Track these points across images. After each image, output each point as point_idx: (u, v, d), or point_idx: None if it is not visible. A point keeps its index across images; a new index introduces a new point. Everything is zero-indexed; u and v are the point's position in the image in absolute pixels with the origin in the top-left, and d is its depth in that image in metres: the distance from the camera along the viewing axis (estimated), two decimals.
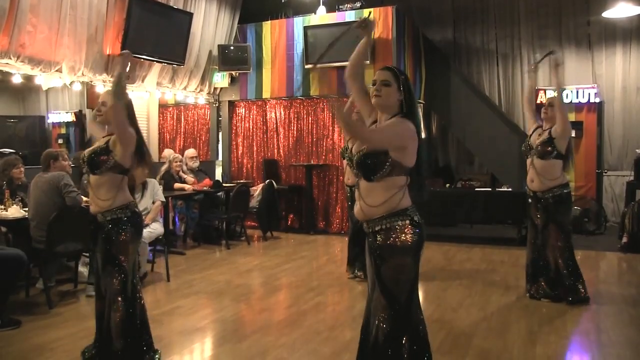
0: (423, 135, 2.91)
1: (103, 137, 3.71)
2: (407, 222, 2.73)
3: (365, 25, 2.94)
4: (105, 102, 3.65)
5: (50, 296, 5.04)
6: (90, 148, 3.67)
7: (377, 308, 2.77)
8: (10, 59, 6.17)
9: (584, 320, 4.79)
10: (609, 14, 8.65)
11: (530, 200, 5.31)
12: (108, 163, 3.55)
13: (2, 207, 5.29)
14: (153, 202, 6.19)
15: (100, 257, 3.59)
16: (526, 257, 5.45)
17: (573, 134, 9.11)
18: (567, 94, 9.45)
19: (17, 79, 6.73)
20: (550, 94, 9.53)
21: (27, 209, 5.29)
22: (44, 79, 6.82)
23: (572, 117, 9.41)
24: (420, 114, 2.92)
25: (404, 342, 2.73)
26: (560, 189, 5.11)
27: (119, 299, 3.54)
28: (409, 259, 2.75)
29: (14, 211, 5.21)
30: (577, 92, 9.41)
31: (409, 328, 2.77)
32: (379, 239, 2.74)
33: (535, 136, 5.24)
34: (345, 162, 6.00)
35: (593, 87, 9.45)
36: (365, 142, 2.72)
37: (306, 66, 9.14)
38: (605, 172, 9.90)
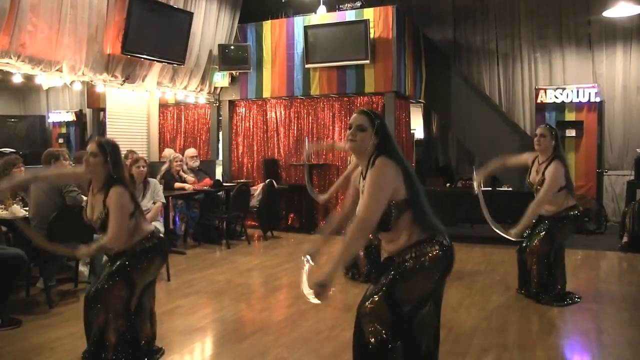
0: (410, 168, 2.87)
1: (95, 191, 3.59)
2: (437, 247, 2.75)
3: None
4: (95, 153, 3.48)
5: (51, 296, 5.05)
6: (92, 215, 3.57)
7: (374, 314, 2.76)
8: (11, 58, 6.18)
9: (584, 320, 4.79)
10: (609, 13, 8.65)
11: (534, 220, 5.21)
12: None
13: (3, 206, 5.29)
14: (154, 203, 6.18)
15: (114, 267, 3.51)
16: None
17: (573, 133, 9.21)
18: (567, 94, 9.44)
19: (17, 79, 6.74)
20: (551, 92, 9.54)
21: (27, 208, 5.29)
22: (44, 79, 6.83)
23: (572, 116, 9.43)
24: (400, 151, 2.88)
25: (397, 348, 2.76)
26: (568, 211, 5.09)
27: (121, 312, 3.51)
28: (432, 280, 2.80)
29: (14, 211, 5.21)
30: (578, 91, 9.41)
31: (406, 338, 2.80)
32: (407, 264, 2.74)
33: (534, 173, 5.16)
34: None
35: (593, 87, 9.45)
36: (372, 221, 2.69)
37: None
38: (606, 172, 9.90)
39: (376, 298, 2.77)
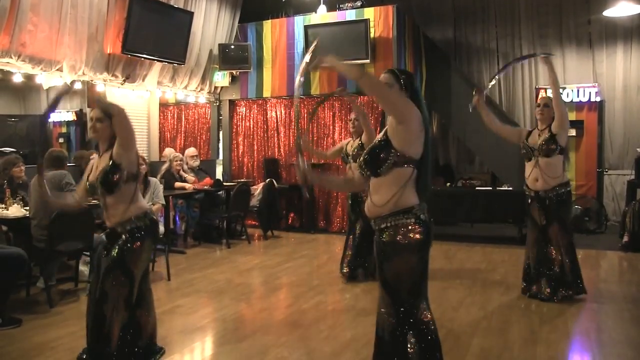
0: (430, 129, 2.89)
1: (99, 155, 3.64)
2: (413, 220, 2.75)
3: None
4: (101, 118, 3.56)
5: (51, 295, 5.04)
6: (95, 172, 3.57)
7: (382, 304, 2.84)
8: (11, 58, 6.18)
9: (585, 320, 4.79)
10: (610, 12, 8.64)
11: (530, 200, 5.31)
12: (122, 178, 3.49)
13: (3, 206, 5.29)
14: (152, 204, 6.14)
15: (110, 261, 3.51)
16: (527, 257, 5.41)
17: (573, 133, 9.20)
18: (567, 93, 9.43)
19: (17, 78, 6.74)
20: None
21: (27, 207, 5.29)
22: (44, 78, 6.83)
23: (572, 116, 9.39)
24: (426, 112, 2.90)
25: (410, 338, 2.77)
26: (563, 187, 5.17)
27: (123, 305, 3.50)
28: (414, 257, 2.77)
29: (15, 210, 5.21)
30: (578, 91, 9.40)
31: (414, 326, 2.79)
32: (384, 236, 2.77)
33: (534, 138, 5.23)
34: (348, 166, 5.93)
35: (594, 86, 9.45)
36: (385, 99, 2.75)
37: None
38: (606, 171, 9.90)
39: (380, 290, 2.82)
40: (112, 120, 3.53)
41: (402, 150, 2.71)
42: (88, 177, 3.63)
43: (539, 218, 5.24)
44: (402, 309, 2.77)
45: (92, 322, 3.54)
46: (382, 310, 2.83)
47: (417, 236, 2.74)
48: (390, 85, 2.83)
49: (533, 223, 5.35)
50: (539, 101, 5.32)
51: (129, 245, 3.49)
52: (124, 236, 3.49)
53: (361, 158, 2.84)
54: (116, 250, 3.49)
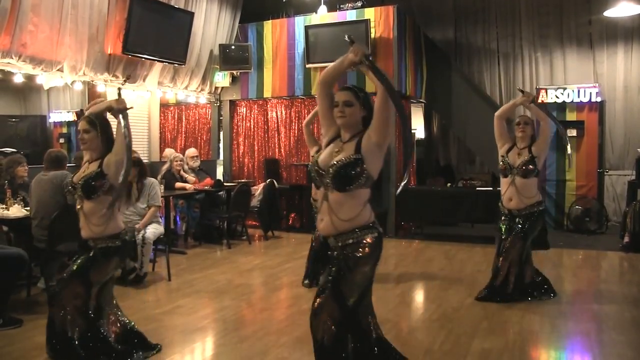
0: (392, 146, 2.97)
1: (88, 161, 3.69)
2: (376, 234, 2.91)
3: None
4: (88, 129, 3.63)
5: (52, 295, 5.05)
6: (81, 174, 3.64)
7: (323, 310, 2.86)
8: (12, 58, 6.18)
9: (585, 320, 4.78)
10: (611, 13, 8.64)
11: (502, 217, 5.28)
12: (104, 187, 3.59)
13: (4, 206, 5.30)
14: (148, 207, 6.12)
15: (74, 269, 3.58)
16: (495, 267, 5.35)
17: (574, 133, 9.20)
18: (568, 94, 9.43)
19: (18, 79, 6.74)
20: (552, 92, 9.52)
21: (28, 208, 5.29)
22: (45, 79, 6.83)
23: (573, 116, 9.42)
24: None
25: (348, 341, 2.89)
26: (536, 206, 5.18)
27: (77, 314, 3.57)
28: (373, 268, 2.93)
29: (16, 210, 5.22)
30: (579, 91, 9.39)
31: (354, 328, 2.92)
32: (349, 251, 2.85)
33: (513, 156, 5.19)
34: None
35: (594, 87, 9.43)
36: (389, 118, 2.80)
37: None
38: (607, 172, 9.89)
39: (324, 295, 2.86)
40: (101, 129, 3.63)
41: (370, 172, 2.82)
42: (73, 177, 3.72)
43: (504, 231, 5.23)
44: (345, 315, 2.86)
45: (49, 324, 3.65)
46: (324, 318, 2.85)
47: (378, 250, 2.92)
48: (350, 103, 2.87)
49: (498, 237, 5.35)
50: (519, 119, 5.25)
51: (96, 262, 3.57)
52: (93, 252, 3.57)
53: (333, 168, 2.82)
54: (81, 262, 3.57)
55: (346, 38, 2.90)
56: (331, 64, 2.95)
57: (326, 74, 2.96)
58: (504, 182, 5.24)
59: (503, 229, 5.24)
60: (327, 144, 3.00)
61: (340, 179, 2.80)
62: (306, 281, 5.85)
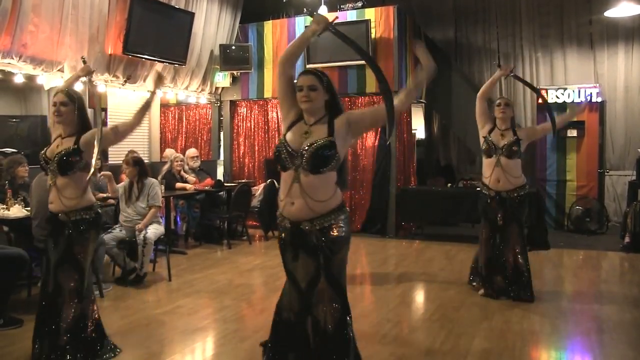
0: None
1: (62, 136, 3.69)
2: (345, 215, 2.95)
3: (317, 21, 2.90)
4: (65, 102, 3.64)
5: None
6: (55, 150, 3.64)
7: (322, 300, 2.89)
8: (13, 58, 6.18)
9: (586, 320, 4.78)
10: (611, 13, 8.63)
11: (489, 200, 5.26)
12: (80, 164, 3.61)
13: (4, 206, 5.30)
14: (149, 207, 6.11)
15: (58, 255, 3.61)
16: (480, 256, 5.41)
17: (574, 134, 9.20)
18: (568, 94, 9.42)
19: (19, 79, 6.73)
20: (552, 92, 9.52)
21: (29, 208, 5.29)
22: (45, 79, 6.83)
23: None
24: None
25: (349, 323, 2.95)
26: (524, 189, 5.21)
27: (75, 297, 3.61)
28: (347, 248, 2.99)
29: (16, 210, 5.22)
30: (579, 91, 9.38)
31: (349, 309, 2.98)
32: (331, 233, 2.86)
33: (497, 137, 5.19)
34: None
35: (595, 87, 9.43)
36: (382, 123, 2.89)
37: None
38: (607, 172, 9.88)
39: (322, 287, 2.88)
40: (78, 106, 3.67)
41: (340, 155, 2.86)
42: (46, 151, 3.70)
43: (498, 218, 5.23)
44: (344, 300, 2.94)
45: (46, 316, 3.62)
46: (327, 305, 2.88)
47: (349, 229, 2.98)
48: (315, 87, 2.88)
49: (489, 223, 5.31)
50: (500, 101, 5.27)
51: (76, 237, 3.60)
52: (68, 229, 3.59)
53: (309, 150, 2.82)
54: (64, 240, 3.59)
55: (305, 11, 2.98)
56: (291, 43, 3.01)
57: (288, 52, 2.99)
58: (488, 163, 5.22)
59: (499, 215, 5.20)
60: (290, 127, 2.97)
61: (316, 160, 2.80)
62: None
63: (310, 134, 2.87)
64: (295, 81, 2.98)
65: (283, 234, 2.97)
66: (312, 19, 2.90)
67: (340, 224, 2.88)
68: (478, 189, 8.80)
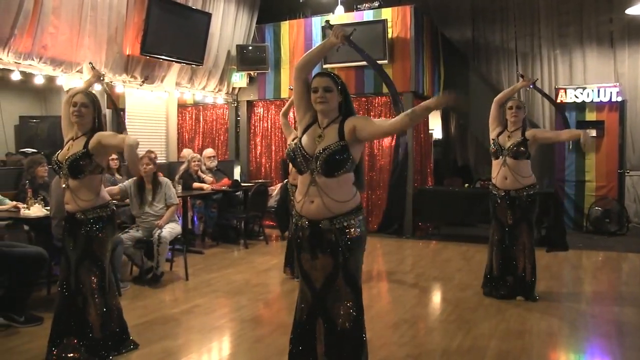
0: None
1: (73, 138, 3.74)
2: (363, 216, 2.99)
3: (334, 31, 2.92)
4: (86, 104, 3.70)
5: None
6: (66, 153, 3.68)
7: (339, 299, 2.90)
8: (33, 60, 6.28)
9: (605, 323, 4.72)
10: (632, 10, 8.51)
11: (499, 200, 5.25)
12: (90, 166, 3.66)
13: (25, 205, 5.37)
14: (167, 207, 6.15)
15: (78, 253, 3.67)
16: (490, 258, 5.35)
17: (594, 134, 9.10)
18: (587, 93, 9.31)
19: (39, 80, 6.83)
20: (571, 92, 9.41)
21: (48, 207, 5.36)
22: (65, 80, 6.91)
23: (593, 116, 9.30)
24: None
25: (363, 323, 2.99)
26: (534, 188, 5.21)
27: (98, 293, 3.70)
28: (364, 249, 3.03)
29: (36, 210, 5.28)
30: (599, 90, 9.27)
31: (363, 310, 3.01)
32: (349, 233, 2.89)
33: (503, 139, 5.22)
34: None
35: (615, 86, 9.31)
36: (393, 134, 3.00)
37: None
38: (628, 172, 9.75)
39: (340, 285, 2.89)
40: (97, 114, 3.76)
41: (354, 157, 2.90)
42: (58, 155, 3.76)
43: (507, 218, 5.20)
44: (360, 298, 2.96)
45: (67, 314, 3.69)
46: (344, 305, 2.89)
47: (366, 229, 3.02)
48: (330, 89, 2.91)
49: (499, 223, 5.29)
50: (512, 103, 5.24)
51: (94, 235, 3.68)
52: (86, 227, 3.66)
53: (322, 155, 2.84)
54: (82, 238, 3.66)
55: (323, 23, 2.99)
56: (309, 51, 3.02)
57: (306, 60, 3.00)
58: (495, 164, 5.31)
59: (508, 214, 5.18)
60: (305, 130, 3.00)
61: (329, 165, 2.84)
62: (287, 268, 6.04)
63: (323, 138, 2.90)
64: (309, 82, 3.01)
65: (300, 233, 2.98)
66: (330, 29, 2.92)
67: (358, 224, 2.91)
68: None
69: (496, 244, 5.30)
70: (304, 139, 2.96)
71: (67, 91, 6.37)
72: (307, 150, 2.90)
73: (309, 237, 2.93)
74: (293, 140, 3.08)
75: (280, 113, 6.03)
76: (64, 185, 3.71)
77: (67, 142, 3.79)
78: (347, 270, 2.90)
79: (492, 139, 5.32)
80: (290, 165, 5.85)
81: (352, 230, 2.89)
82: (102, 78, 4.28)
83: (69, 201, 3.71)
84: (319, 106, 2.92)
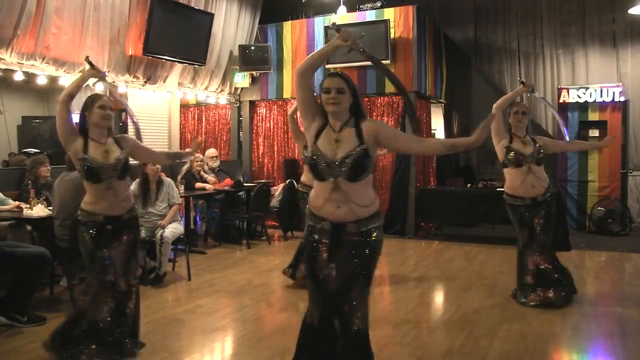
0: None
1: (96, 141, 3.78)
2: (381, 219, 3.03)
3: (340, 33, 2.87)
4: (112, 107, 3.85)
5: (74, 294, 5.08)
6: (107, 155, 3.75)
7: (357, 300, 2.90)
8: (36, 60, 6.29)
9: (608, 324, 4.71)
10: (635, 10, 8.48)
11: (524, 209, 5.10)
12: (131, 168, 3.91)
13: (28, 206, 5.38)
14: (169, 206, 6.18)
15: (126, 253, 3.82)
16: (524, 265, 5.21)
17: (596, 134, 9.09)
18: (590, 93, 9.30)
19: (42, 80, 6.84)
20: (574, 92, 9.40)
21: (51, 207, 5.37)
22: (68, 80, 6.92)
23: (595, 116, 9.29)
24: None
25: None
26: (551, 189, 5.21)
27: (134, 289, 3.92)
28: (381, 251, 3.05)
29: (39, 210, 5.29)
30: (602, 90, 9.25)
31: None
32: (374, 236, 2.93)
33: (519, 145, 5.06)
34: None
35: (618, 86, 9.29)
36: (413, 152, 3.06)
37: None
38: (630, 172, 9.73)
39: (361, 286, 2.91)
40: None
41: (374, 160, 2.96)
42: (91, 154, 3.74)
43: (537, 224, 5.09)
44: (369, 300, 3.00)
45: (116, 312, 3.78)
46: (359, 308, 2.90)
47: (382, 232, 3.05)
48: (343, 90, 2.88)
49: (528, 230, 5.15)
50: (517, 108, 5.14)
51: (136, 233, 3.94)
52: (132, 225, 3.87)
53: (348, 160, 2.83)
54: (129, 238, 3.85)
55: (331, 26, 2.97)
56: (311, 55, 2.98)
57: (309, 63, 2.92)
58: (520, 172, 5.05)
59: (537, 220, 5.08)
60: (317, 135, 2.93)
61: (355, 171, 2.83)
62: (288, 269, 5.87)
63: (341, 142, 2.87)
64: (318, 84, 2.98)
65: (316, 236, 2.93)
66: (337, 32, 2.87)
67: (379, 227, 2.96)
68: (498, 189, 8.75)
69: (526, 253, 5.19)
70: (321, 145, 2.89)
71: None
72: (329, 157, 2.86)
73: (330, 239, 2.90)
74: (305, 147, 3.02)
75: (289, 115, 5.83)
76: (107, 188, 3.73)
77: (88, 144, 3.74)
78: (367, 273, 2.93)
79: (506, 147, 5.09)
80: (307, 168, 5.79)
81: (374, 234, 2.92)
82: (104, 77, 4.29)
83: (113, 204, 3.76)
84: (332, 107, 2.87)
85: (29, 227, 5.57)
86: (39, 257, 4.57)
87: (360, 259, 2.90)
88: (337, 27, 2.89)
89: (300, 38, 9.57)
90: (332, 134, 2.90)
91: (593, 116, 9.30)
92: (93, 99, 3.82)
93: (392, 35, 8.73)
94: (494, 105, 5.15)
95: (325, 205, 2.91)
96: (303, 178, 5.70)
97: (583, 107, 9.33)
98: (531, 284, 5.13)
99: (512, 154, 5.05)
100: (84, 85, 4.23)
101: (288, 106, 9.92)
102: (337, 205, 2.88)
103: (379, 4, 9.19)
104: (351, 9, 9.46)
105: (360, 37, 2.94)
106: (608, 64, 10.03)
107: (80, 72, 6.86)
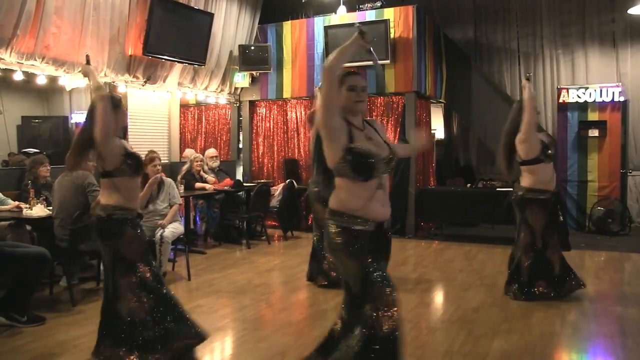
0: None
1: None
2: None
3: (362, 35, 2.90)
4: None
5: (74, 294, 5.11)
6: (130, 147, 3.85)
7: (397, 302, 2.93)
8: (36, 60, 6.28)
9: (608, 323, 4.72)
10: (635, 10, 8.49)
11: (545, 203, 5.14)
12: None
13: (27, 206, 5.38)
14: (170, 205, 6.19)
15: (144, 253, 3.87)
16: (521, 260, 5.26)
17: (596, 133, 9.09)
18: (590, 93, 9.30)
19: (41, 80, 6.84)
20: (573, 92, 9.41)
21: (51, 207, 5.37)
22: (67, 80, 6.93)
23: (595, 116, 9.29)
24: None
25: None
26: (536, 193, 5.23)
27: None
28: None
29: (39, 210, 5.29)
30: (601, 90, 9.25)
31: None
32: (389, 233, 3.01)
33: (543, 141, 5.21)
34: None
35: (617, 86, 9.29)
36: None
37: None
38: (630, 172, 9.73)
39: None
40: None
41: None
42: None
43: (557, 216, 5.18)
44: None
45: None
46: (396, 310, 2.93)
47: None
48: (365, 89, 2.93)
49: (550, 227, 5.20)
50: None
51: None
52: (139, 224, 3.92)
53: (394, 161, 2.90)
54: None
55: (356, 25, 2.98)
56: (335, 51, 2.89)
57: (341, 61, 2.87)
58: (547, 168, 5.15)
59: (559, 213, 5.25)
60: (350, 135, 2.83)
61: (394, 166, 2.95)
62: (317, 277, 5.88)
63: (374, 140, 2.88)
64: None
65: (354, 238, 2.82)
66: (361, 35, 2.91)
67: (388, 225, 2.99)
68: (498, 189, 8.74)
69: (529, 247, 5.21)
70: (367, 144, 2.83)
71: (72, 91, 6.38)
72: (380, 154, 2.83)
73: (371, 240, 2.84)
74: (353, 146, 2.81)
75: (308, 119, 5.79)
76: (131, 184, 3.82)
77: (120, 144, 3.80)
78: (385, 269, 2.95)
79: (542, 141, 5.15)
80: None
81: (389, 232, 2.99)
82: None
83: (136, 201, 3.95)
84: (360, 105, 2.89)
85: (28, 227, 5.58)
86: (38, 257, 4.56)
87: (387, 257, 3.00)
88: (362, 31, 2.91)
89: (300, 38, 9.57)
90: (360, 132, 2.87)
91: (593, 116, 9.30)
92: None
93: (392, 35, 8.73)
94: (529, 101, 5.07)
95: (373, 204, 2.82)
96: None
97: (583, 107, 9.33)
98: (524, 281, 5.23)
99: (550, 150, 5.19)
100: (84, 85, 4.25)
101: (288, 106, 9.93)
102: (382, 203, 2.86)
103: (378, 4, 9.19)
104: (351, 8, 9.46)
105: (356, 27, 2.95)
106: (608, 64, 10.03)
107: (80, 72, 6.87)
